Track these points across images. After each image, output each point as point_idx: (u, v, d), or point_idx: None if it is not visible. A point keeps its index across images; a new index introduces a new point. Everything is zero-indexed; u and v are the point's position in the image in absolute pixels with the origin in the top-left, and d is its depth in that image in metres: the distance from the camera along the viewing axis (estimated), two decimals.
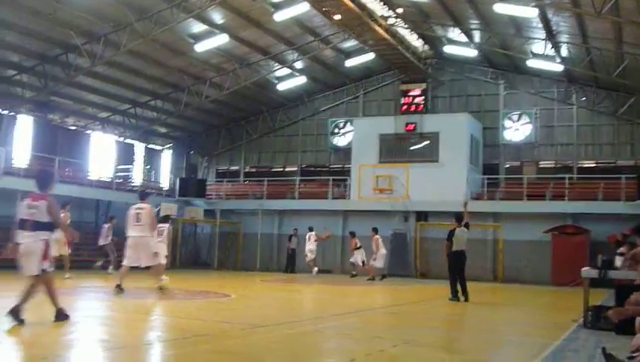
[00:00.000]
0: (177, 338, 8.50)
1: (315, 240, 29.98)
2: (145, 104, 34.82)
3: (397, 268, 30.38)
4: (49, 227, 9.19)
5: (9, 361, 6.64)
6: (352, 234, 28.58)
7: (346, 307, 15.22)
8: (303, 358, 7.62)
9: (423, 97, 34.67)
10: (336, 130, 37.84)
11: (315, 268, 29.53)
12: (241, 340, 8.56)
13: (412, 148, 33.39)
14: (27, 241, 9.01)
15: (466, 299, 16.20)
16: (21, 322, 8.55)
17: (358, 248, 27.96)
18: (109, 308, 13.10)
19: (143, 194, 15.82)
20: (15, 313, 8.58)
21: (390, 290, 22.43)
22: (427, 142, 32.95)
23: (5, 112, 29.92)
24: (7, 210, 26.38)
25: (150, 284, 15.15)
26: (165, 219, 19.02)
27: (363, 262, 27.61)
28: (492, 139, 34.32)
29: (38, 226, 9.04)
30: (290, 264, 31.87)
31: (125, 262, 14.59)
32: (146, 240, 14.56)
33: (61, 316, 9.20)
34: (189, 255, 36.95)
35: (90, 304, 13.90)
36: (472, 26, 30.04)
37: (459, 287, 16.31)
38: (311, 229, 30.31)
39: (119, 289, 14.26)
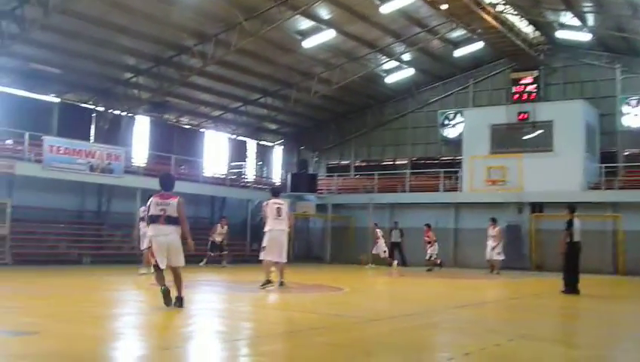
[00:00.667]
0: (292, 331, 8.59)
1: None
2: (255, 101, 35.42)
3: (511, 261, 29.70)
4: (178, 222, 10.07)
5: (133, 351, 6.88)
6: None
7: (459, 300, 15.00)
8: (417, 351, 7.56)
9: (536, 85, 33.68)
10: (446, 122, 37.36)
11: (395, 262, 29.24)
12: (355, 333, 8.58)
13: (525, 137, 32.53)
14: (170, 236, 10.05)
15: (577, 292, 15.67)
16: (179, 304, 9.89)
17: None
18: (225, 300, 13.41)
19: (277, 190, 16.42)
20: (180, 301, 9.86)
21: (504, 283, 21.96)
22: (541, 131, 32.01)
23: (124, 114, 31.09)
24: (129, 207, 27.77)
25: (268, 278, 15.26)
26: None
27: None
28: (609, 126, 32.96)
29: (171, 221, 9.99)
30: (396, 257, 31.49)
31: (269, 257, 14.70)
32: (285, 234, 14.85)
33: (180, 302, 9.96)
34: (302, 249, 37.38)
35: (206, 297, 14.25)
36: (585, 9, 28.93)
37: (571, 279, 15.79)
38: (377, 225, 30.36)
39: (280, 284, 14.72)
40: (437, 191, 34.14)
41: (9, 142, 26.72)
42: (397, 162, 39.40)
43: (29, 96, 28.72)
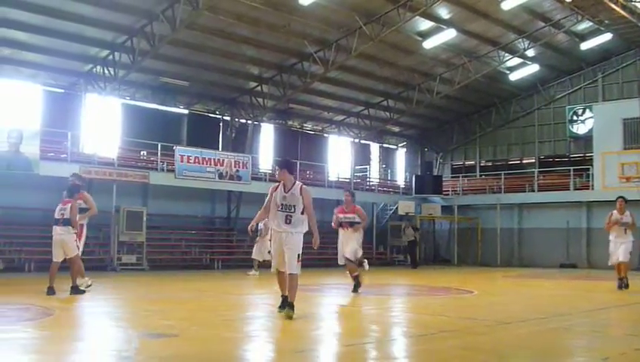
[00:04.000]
0: (423, 334, 8.52)
1: None
2: (377, 105, 35.46)
3: None
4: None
5: (267, 353, 7.03)
6: None
7: (594, 303, 14.44)
8: (553, 356, 7.32)
9: None
10: (574, 118, 36.15)
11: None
12: (487, 337, 8.41)
13: None
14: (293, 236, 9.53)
15: None
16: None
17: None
18: (353, 303, 13.47)
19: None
20: (291, 306, 9.37)
21: None
22: None
23: (250, 122, 31.85)
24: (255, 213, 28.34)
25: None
26: None
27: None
28: None
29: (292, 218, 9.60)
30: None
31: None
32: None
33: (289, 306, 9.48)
34: (428, 251, 37.08)
35: (334, 300, 14.36)
36: None
37: None
38: None
39: None
40: (567, 189, 33.08)
41: (143, 153, 27.95)
42: (524, 161, 38.49)
43: (160, 109, 29.96)
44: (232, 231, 29.94)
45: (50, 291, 12.50)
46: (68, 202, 13.02)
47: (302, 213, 9.53)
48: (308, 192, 9.61)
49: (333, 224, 14.82)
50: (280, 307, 9.68)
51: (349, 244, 14.54)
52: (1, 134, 22.05)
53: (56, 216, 13.01)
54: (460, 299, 14.71)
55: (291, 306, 9.33)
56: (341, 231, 14.66)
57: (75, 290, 12.82)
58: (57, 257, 12.97)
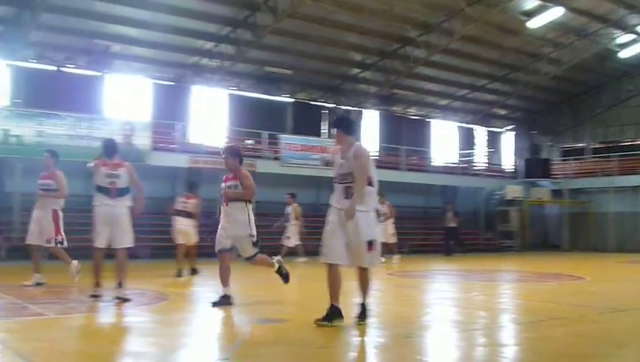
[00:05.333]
0: (532, 321, 8.36)
1: None
2: (482, 87, 34.83)
3: None
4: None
5: (375, 339, 7.06)
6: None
7: None
8: None
9: None
10: None
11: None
12: (600, 324, 8.18)
13: None
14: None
15: None
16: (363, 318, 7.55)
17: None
18: (460, 289, 13.35)
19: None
20: (362, 312, 7.59)
21: None
22: None
23: (353, 108, 31.95)
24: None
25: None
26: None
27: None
28: None
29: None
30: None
31: None
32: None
33: (363, 314, 7.60)
34: (537, 236, 36.23)
35: (441, 286, 14.27)
36: None
37: None
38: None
39: None
40: None
41: (249, 142, 28.48)
42: (638, 142, 36.94)
43: (265, 98, 30.46)
44: None
45: (184, 273, 14.35)
46: (192, 197, 14.80)
47: (368, 184, 7.42)
48: (363, 152, 7.47)
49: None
50: (326, 318, 7.39)
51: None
52: (115, 127, 22.95)
53: (179, 208, 14.75)
54: (570, 285, 14.33)
55: (365, 310, 7.57)
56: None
57: (194, 271, 14.68)
58: (181, 240, 14.74)
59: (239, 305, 9.08)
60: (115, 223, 9.51)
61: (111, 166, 9.67)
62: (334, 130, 7.63)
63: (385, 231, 17.72)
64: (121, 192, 9.63)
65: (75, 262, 11.52)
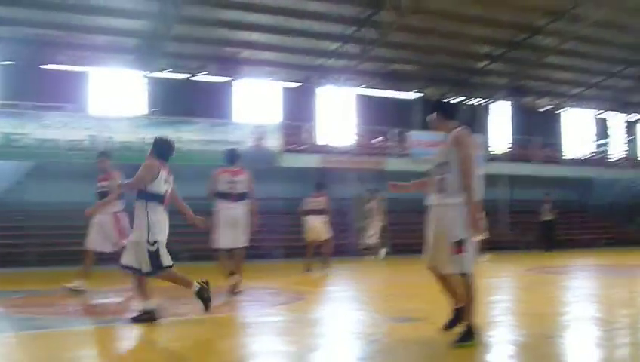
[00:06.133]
0: None
1: None
2: (618, 74, 33.34)
3: None
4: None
5: (516, 338, 6.92)
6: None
7: None
8: None
9: None
10: None
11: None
12: None
13: None
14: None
15: None
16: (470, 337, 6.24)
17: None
18: (602, 286, 12.87)
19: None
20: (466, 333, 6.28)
21: None
22: None
23: (482, 102, 31.40)
24: (493, 194, 28.05)
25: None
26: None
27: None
28: None
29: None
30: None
31: None
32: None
33: (467, 335, 6.22)
34: None
35: (582, 283, 13.81)
36: None
37: None
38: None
39: None
40: None
41: (378, 140, 28.51)
42: None
43: (392, 96, 30.44)
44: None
45: (313, 268, 15.02)
46: (321, 195, 15.66)
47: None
48: (465, 139, 6.32)
49: None
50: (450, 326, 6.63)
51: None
52: (246, 131, 23.59)
53: (310, 207, 15.59)
54: None
55: (466, 332, 6.21)
56: None
57: (324, 266, 15.29)
58: (311, 238, 15.57)
59: (375, 302, 9.12)
60: (235, 225, 10.39)
61: (232, 172, 10.56)
62: (433, 116, 6.65)
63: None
64: (241, 196, 10.51)
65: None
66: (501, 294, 11.62)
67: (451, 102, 7.28)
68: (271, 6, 23.70)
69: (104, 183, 10.87)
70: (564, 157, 33.08)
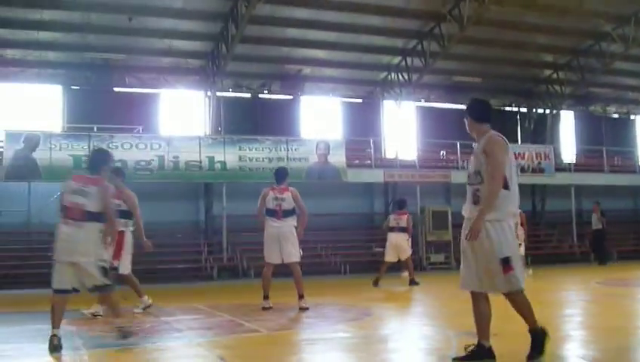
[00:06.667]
0: None
1: None
2: None
3: None
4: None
5: (589, 352, 6.77)
6: None
7: None
8: None
9: None
10: None
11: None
12: None
13: None
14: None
15: None
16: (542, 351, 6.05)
17: None
18: None
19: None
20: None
21: None
22: None
23: (548, 111, 30.87)
24: (563, 205, 27.52)
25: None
26: None
27: None
28: None
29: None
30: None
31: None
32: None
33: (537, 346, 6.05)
34: None
35: None
36: None
37: None
38: None
39: None
40: None
41: (442, 153, 28.30)
42: None
43: (455, 108, 30.13)
44: (538, 226, 29.07)
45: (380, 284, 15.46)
46: (403, 214, 16.34)
47: (505, 188, 5.82)
48: (494, 146, 5.95)
49: None
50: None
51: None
52: (310, 147, 23.70)
53: (392, 224, 16.25)
54: None
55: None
56: None
57: (413, 282, 15.78)
58: (390, 257, 16.13)
59: (444, 317, 9.02)
60: (282, 240, 10.65)
61: (278, 190, 10.89)
62: (468, 118, 6.33)
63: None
64: (286, 214, 10.75)
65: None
66: (572, 308, 11.37)
67: (484, 103, 6.76)
68: (332, 22, 23.80)
69: (117, 201, 9.37)
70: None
